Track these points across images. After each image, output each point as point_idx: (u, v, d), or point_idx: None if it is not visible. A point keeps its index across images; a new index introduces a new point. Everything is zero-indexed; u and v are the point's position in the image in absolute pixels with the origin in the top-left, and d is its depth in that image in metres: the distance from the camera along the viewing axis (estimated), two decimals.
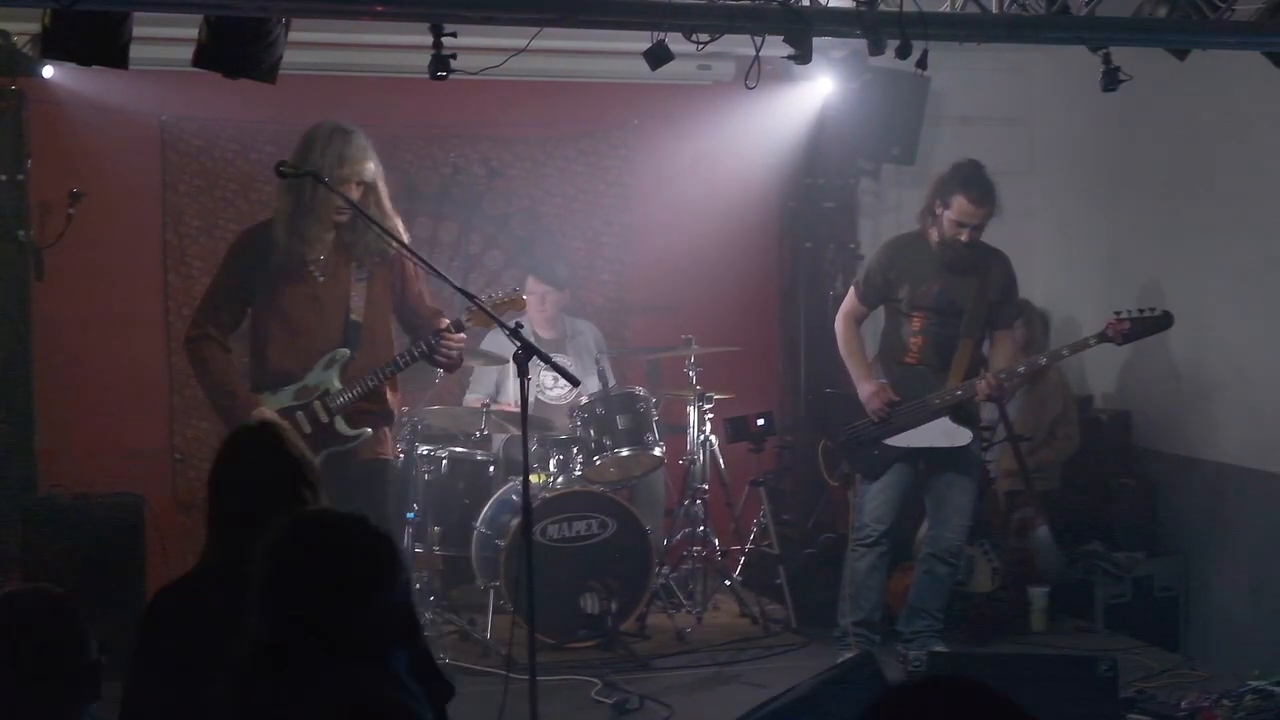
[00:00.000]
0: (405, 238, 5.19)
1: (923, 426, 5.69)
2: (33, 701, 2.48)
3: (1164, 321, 5.65)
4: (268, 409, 5.01)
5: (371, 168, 5.02)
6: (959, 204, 5.58)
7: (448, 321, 5.11)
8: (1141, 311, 5.62)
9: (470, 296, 4.75)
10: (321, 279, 5.06)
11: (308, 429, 5.00)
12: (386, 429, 5.24)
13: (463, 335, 5.14)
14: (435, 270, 4.73)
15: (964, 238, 5.61)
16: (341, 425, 5.05)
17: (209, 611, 2.82)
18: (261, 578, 2.39)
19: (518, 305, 5.33)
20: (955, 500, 5.79)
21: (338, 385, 5.05)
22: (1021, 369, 5.82)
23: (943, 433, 5.69)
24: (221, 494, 3.11)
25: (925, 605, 5.84)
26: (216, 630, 2.56)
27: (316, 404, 5.04)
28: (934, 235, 5.69)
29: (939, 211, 5.65)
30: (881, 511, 5.78)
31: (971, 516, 5.90)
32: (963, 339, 5.68)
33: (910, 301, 5.72)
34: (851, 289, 5.99)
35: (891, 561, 6.01)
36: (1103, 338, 5.63)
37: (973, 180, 5.60)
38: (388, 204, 5.11)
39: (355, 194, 4.96)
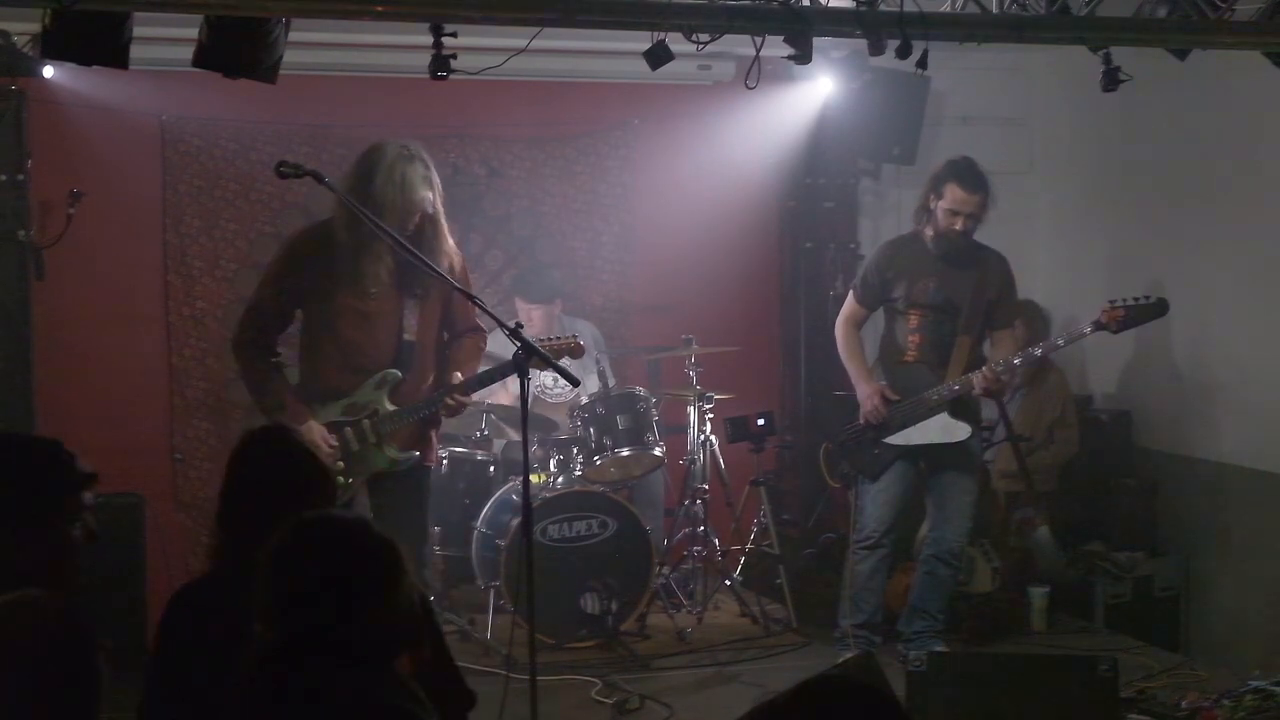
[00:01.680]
0: (459, 260, 5.11)
1: (921, 423, 5.69)
2: (39, 712, 2.48)
3: (1159, 308, 5.60)
4: (316, 421, 4.95)
5: (431, 197, 4.91)
6: (952, 191, 5.59)
7: (461, 378, 5.06)
8: (1136, 299, 5.58)
9: (470, 296, 4.72)
10: (374, 295, 4.96)
11: (355, 447, 4.94)
12: (433, 432, 5.21)
13: (469, 399, 5.13)
14: (435, 270, 4.70)
15: (959, 226, 5.61)
16: (391, 450, 4.99)
17: (224, 614, 2.82)
18: (264, 583, 2.38)
19: (575, 352, 5.29)
20: (957, 501, 5.79)
21: (388, 407, 4.98)
22: (1018, 361, 5.79)
23: (941, 428, 5.69)
24: (235, 496, 3.10)
25: (926, 606, 5.83)
26: (232, 633, 2.56)
27: (366, 423, 4.96)
28: (929, 231, 5.70)
29: (933, 205, 5.66)
30: (883, 513, 5.78)
31: (973, 517, 5.90)
32: (960, 336, 5.68)
33: (907, 299, 5.73)
34: (850, 292, 5.99)
35: (892, 562, 6.01)
36: (1098, 326, 5.60)
37: (965, 170, 5.63)
38: (444, 227, 5.01)
39: (414, 223, 4.88)
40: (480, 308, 4.73)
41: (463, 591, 6.48)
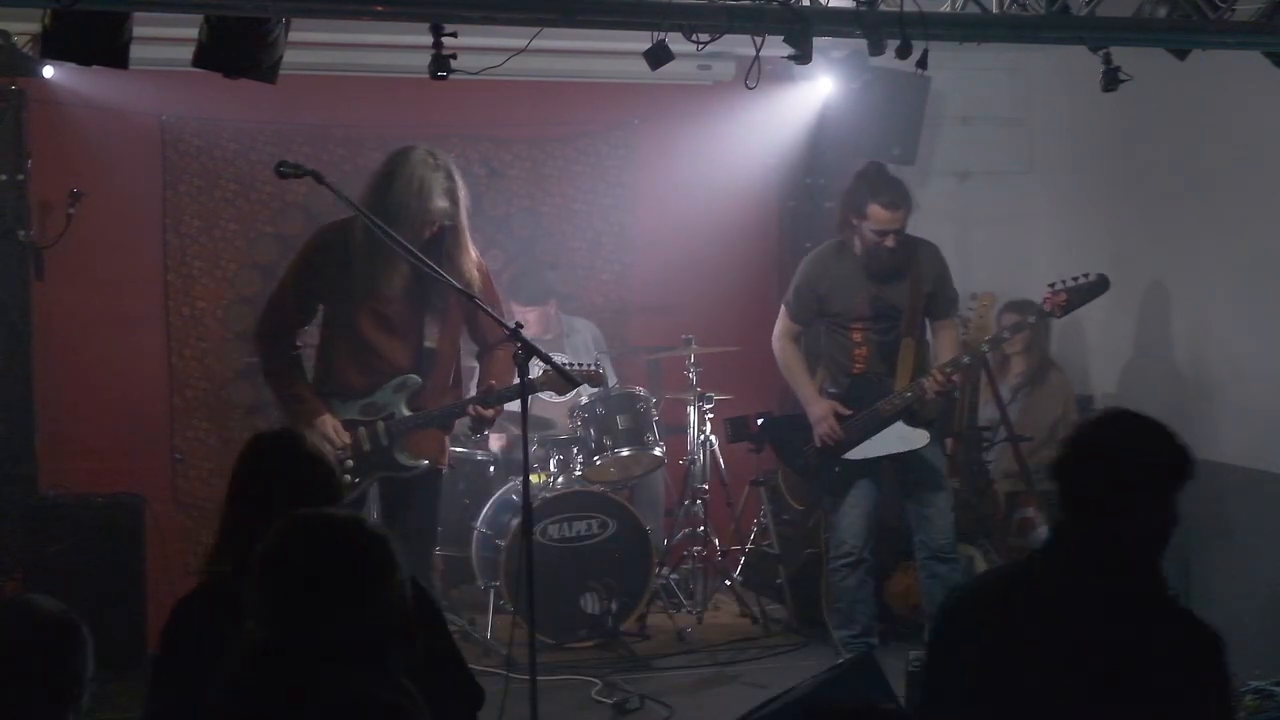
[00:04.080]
0: (480, 275, 5.02)
1: (878, 435, 5.62)
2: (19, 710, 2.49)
3: (1100, 286, 5.55)
4: (333, 418, 4.92)
5: (448, 208, 4.83)
6: (874, 213, 5.51)
7: (493, 384, 5.01)
8: (1076, 279, 5.54)
9: (470, 296, 4.70)
10: (394, 302, 4.93)
11: (367, 446, 4.91)
12: (445, 436, 5.19)
13: (490, 412, 5.01)
14: (436, 270, 4.66)
15: (889, 243, 5.54)
16: (401, 455, 4.96)
17: (232, 617, 2.81)
18: (256, 580, 2.39)
19: (594, 380, 5.29)
20: (933, 501, 5.72)
21: (405, 411, 4.95)
22: (965, 359, 5.71)
23: (899, 437, 5.62)
24: (239, 500, 3.10)
25: None
26: (233, 638, 2.56)
27: (380, 425, 4.93)
28: (857, 244, 5.63)
29: (855, 223, 5.58)
30: (857, 527, 5.70)
31: (953, 508, 5.85)
32: (904, 339, 5.62)
33: (847, 314, 5.66)
34: (783, 308, 5.87)
35: (888, 564, 5.99)
36: (1042, 314, 5.57)
37: (881, 185, 5.54)
38: (467, 240, 4.95)
39: (430, 232, 4.83)
40: (480, 308, 4.73)
41: (463, 591, 6.49)
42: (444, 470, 5.21)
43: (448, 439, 5.22)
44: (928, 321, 5.76)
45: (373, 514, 5.07)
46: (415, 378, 4.97)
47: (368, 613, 2.35)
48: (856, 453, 5.65)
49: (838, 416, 5.63)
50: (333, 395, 4.99)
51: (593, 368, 5.35)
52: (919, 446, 5.64)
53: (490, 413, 5.01)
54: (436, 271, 4.67)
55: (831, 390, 5.74)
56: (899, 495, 5.86)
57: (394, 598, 2.39)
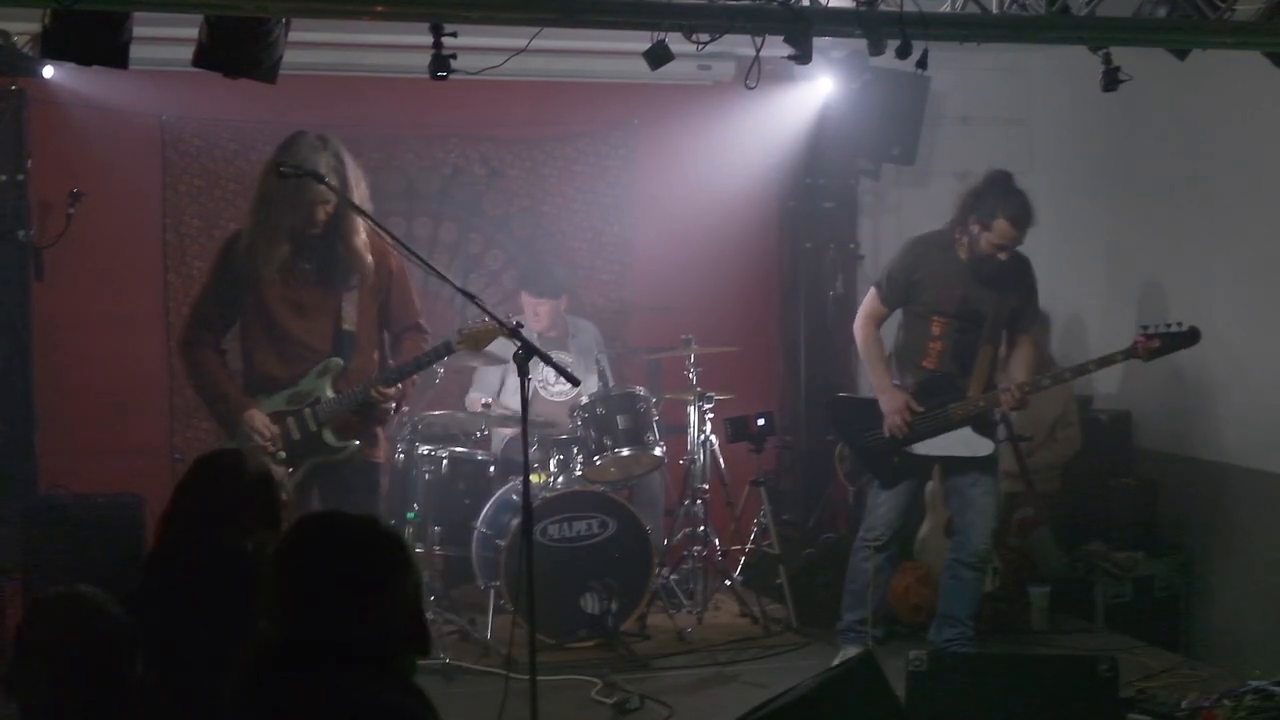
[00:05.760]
0: (370, 261, 5.16)
1: (946, 435, 5.61)
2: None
3: (1192, 337, 5.53)
4: (259, 412, 5.02)
5: (326, 192, 4.95)
6: (1001, 228, 5.46)
7: (380, 378, 5.15)
8: (1169, 327, 5.52)
9: (470, 296, 4.72)
10: (305, 288, 5.06)
11: (297, 435, 5.03)
12: (379, 430, 5.23)
13: (392, 390, 5.16)
14: (436, 270, 4.70)
15: (1003, 257, 5.53)
16: (329, 436, 5.06)
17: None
18: (269, 579, 2.39)
19: (513, 332, 5.29)
20: (979, 504, 5.71)
21: (330, 394, 5.06)
22: (1047, 381, 5.72)
23: (964, 442, 5.62)
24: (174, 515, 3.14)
25: (954, 612, 5.74)
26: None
27: (307, 411, 5.05)
28: (964, 242, 5.58)
29: (975, 230, 5.52)
30: (893, 516, 5.74)
31: (996, 519, 5.85)
32: (983, 345, 5.61)
33: (933, 305, 5.64)
34: (873, 290, 5.86)
35: (897, 561, 5.99)
36: (1131, 354, 5.54)
37: (1014, 200, 5.48)
38: (357, 221, 5.06)
39: (322, 212, 4.99)
40: (480, 307, 4.74)
41: (463, 591, 6.49)
42: (381, 465, 5.29)
43: (381, 431, 5.28)
44: (1007, 335, 5.74)
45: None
46: (337, 360, 5.07)
47: (380, 613, 2.36)
48: (921, 447, 5.66)
49: (910, 412, 5.61)
50: (258, 390, 5.14)
51: (509, 318, 5.32)
52: (983, 455, 5.65)
53: (391, 391, 5.11)
54: (424, 262, 4.75)
55: (896, 383, 5.71)
56: (946, 493, 5.88)
57: (406, 598, 2.40)
